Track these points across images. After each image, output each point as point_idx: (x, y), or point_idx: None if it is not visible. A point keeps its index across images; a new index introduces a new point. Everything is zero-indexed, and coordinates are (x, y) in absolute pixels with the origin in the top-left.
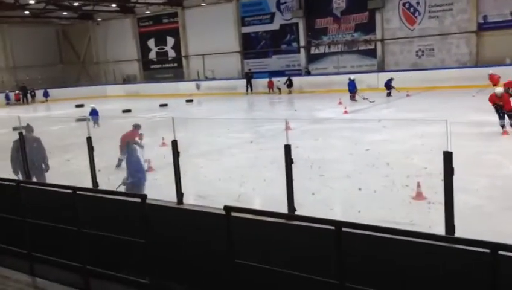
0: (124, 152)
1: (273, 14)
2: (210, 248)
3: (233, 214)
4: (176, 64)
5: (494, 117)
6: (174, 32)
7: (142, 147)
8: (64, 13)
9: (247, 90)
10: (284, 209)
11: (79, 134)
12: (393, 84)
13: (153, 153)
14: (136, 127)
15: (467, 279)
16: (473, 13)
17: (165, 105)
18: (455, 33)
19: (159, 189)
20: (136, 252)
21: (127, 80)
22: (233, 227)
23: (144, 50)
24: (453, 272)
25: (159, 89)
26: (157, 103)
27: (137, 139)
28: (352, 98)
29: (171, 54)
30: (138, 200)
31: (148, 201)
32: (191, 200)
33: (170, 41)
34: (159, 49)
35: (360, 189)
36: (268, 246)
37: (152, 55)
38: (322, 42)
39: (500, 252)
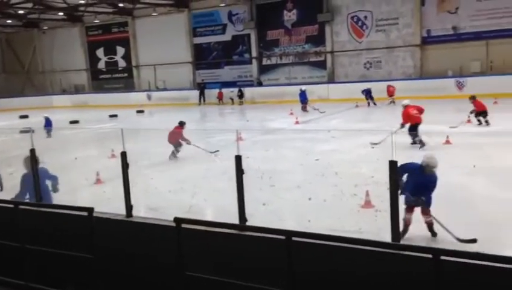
0: (176, 146)
1: (225, 25)
2: (160, 261)
3: (183, 225)
4: (126, 75)
5: (439, 127)
6: (125, 42)
7: (189, 143)
8: (9, 21)
9: (200, 101)
10: (235, 220)
11: (23, 146)
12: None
13: (102, 164)
14: (181, 123)
15: (412, 285)
16: (417, 28)
17: (115, 116)
18: (401, 46)
19: (107, 202)
20: (83, 268)
21: (68, 90)
22: (183, 239)
23: (93, 59)
24: (400, 278)
25: (109, 99)
26: (107, 114)
27: (180, 140)
28: (304, 108)
29: (121, 63)
30: (85, 213)
31: (95, 214)
32: (141, 212)
33: (120, 51)
34: (108, 58)
35: (310, 199)
36: (219, 257)
37: (101, 64)
38: (273, 53)
39: (442, 257)
